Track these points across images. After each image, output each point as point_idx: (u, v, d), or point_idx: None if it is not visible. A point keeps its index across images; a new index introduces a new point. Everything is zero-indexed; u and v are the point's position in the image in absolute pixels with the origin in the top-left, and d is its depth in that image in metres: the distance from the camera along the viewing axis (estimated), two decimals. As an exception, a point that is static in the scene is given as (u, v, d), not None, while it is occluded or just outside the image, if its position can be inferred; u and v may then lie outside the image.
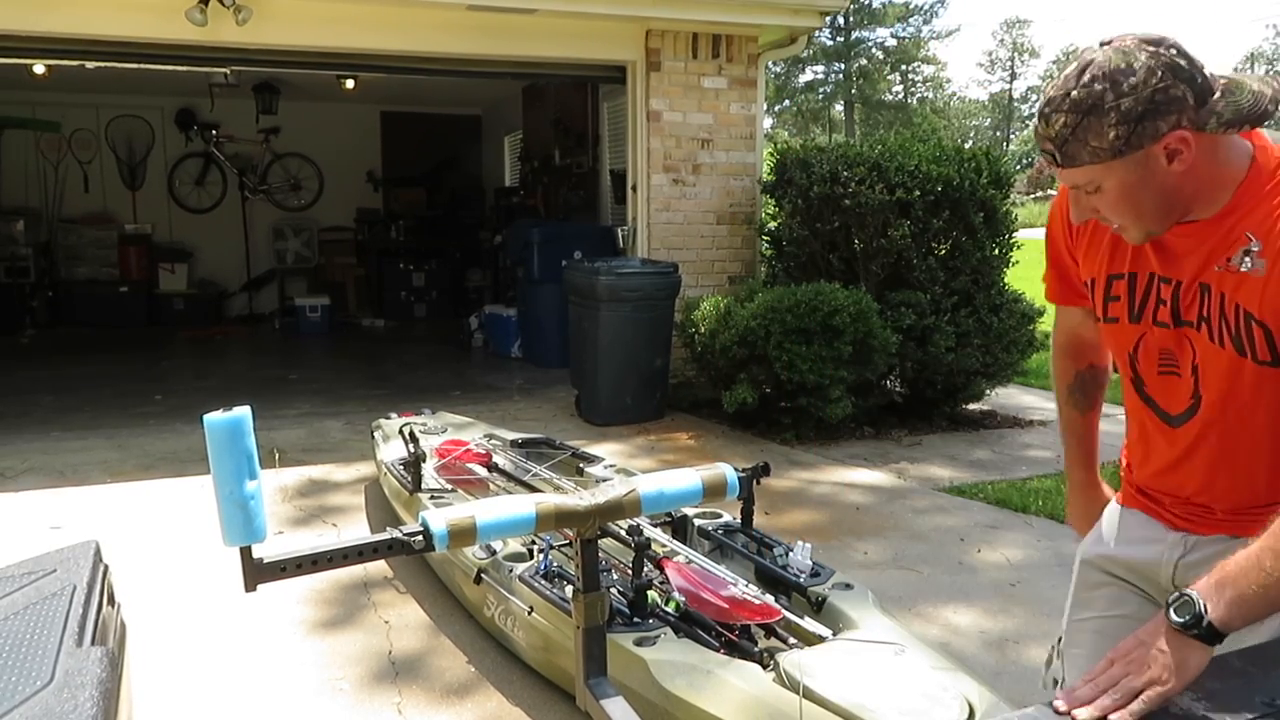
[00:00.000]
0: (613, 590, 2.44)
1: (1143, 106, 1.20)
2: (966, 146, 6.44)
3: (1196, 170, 1.25)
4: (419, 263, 11.49)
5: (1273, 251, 1.24)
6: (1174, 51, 1.21)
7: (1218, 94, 1.21)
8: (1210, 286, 1.32)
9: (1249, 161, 1.29)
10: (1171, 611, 1.14)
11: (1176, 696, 1.10)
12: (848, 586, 2.53)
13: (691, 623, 2.40)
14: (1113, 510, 1.66)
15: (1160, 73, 1.20)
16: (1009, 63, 73.79)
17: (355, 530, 4.11)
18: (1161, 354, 1.43)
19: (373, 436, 4.52)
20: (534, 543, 2.90)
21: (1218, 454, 1.40)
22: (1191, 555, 1.46)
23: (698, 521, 3.01)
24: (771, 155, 6.80)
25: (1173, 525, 1.50)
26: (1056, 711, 1.09)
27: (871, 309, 5.44)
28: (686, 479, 1.55)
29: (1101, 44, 1.25)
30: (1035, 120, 1.30)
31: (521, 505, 1.45)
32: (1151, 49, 1.21)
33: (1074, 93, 1.22)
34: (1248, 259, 1.26)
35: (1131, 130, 1.20)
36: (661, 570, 2.62)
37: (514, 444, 4.20)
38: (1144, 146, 1.22)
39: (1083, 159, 1.24)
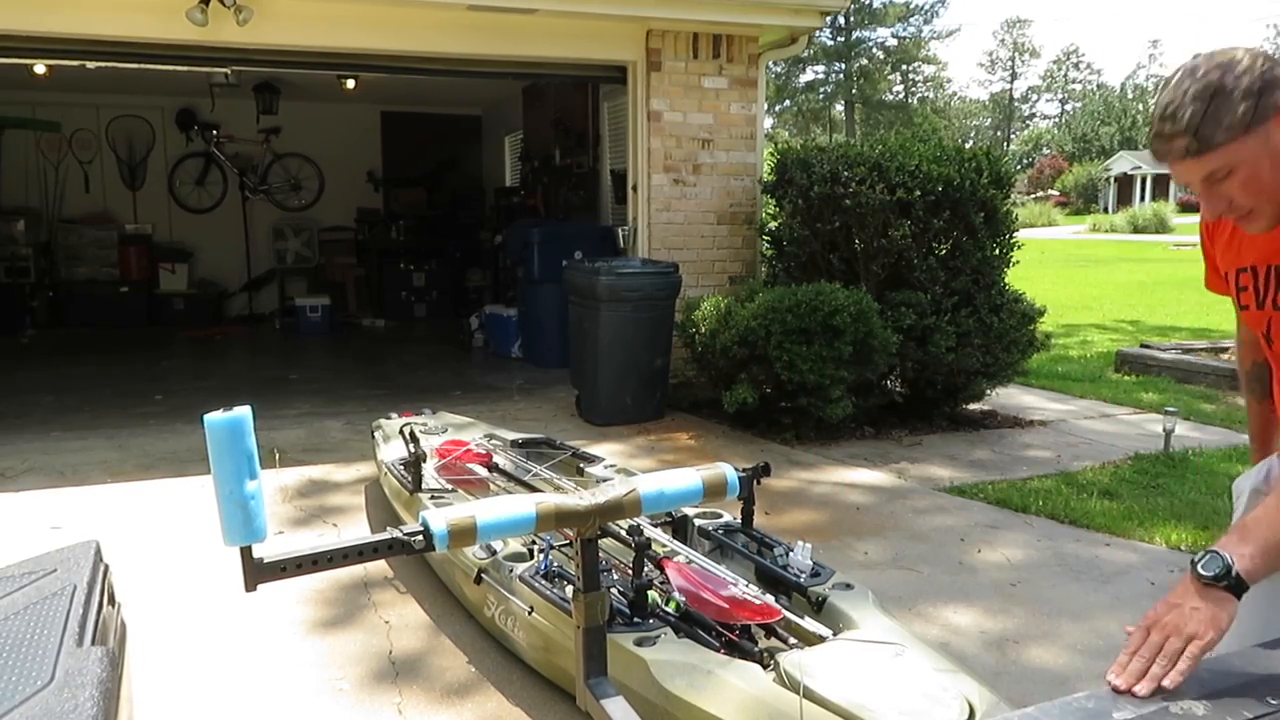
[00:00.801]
0: (613, 590, 2.44)
1: (1259, 83, 1.34)
2: (967, 146, 6.43)
3: None
4: (419, 263, 11.49)
5: None
6: (1260, 48, 1.38)
7: None
8: None
9: None
10: (1199, 567, 1.24)
11: (1178, 695, 1.16)
12: (848, 586, 2.53)
13: (692, 623, 2.40)
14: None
15: (1261, 59, 1.36)
16: (1009, 63, 73.80)
17: (355, 530, 4.11)
18: None
19: (373, 436, 4.52)
20: (534, 543, 2.90)
21: None
22: None
23: (698, 521, 3.00)
24: (772, 155, 6.80)
25: None
26: (1115, 690, 1.18)
27: (872, 309, 5.44)
28: (687, 479, 1.56)
29: (1194, 56, 1.39)
30: (1153, 132, 1.41)
31: (522, 505, 1.45)
32: (1244, 48, 1.37)
33: (1194, 88, 1.35)
34: None
35: (1256, 102, 1.33)
36: (662, 570, 2.62)
37: (514, 444, 4.20)
38: (1269, 119, 1.34)
39: (1219, 139, 1.35)
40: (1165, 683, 1.16)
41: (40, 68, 8.09)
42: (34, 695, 1.24)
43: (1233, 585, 1.22)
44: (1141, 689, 1.17)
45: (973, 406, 6.32)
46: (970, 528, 4.14)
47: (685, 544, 2.87)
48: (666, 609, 2.44)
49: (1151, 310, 12.35)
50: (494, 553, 2.91)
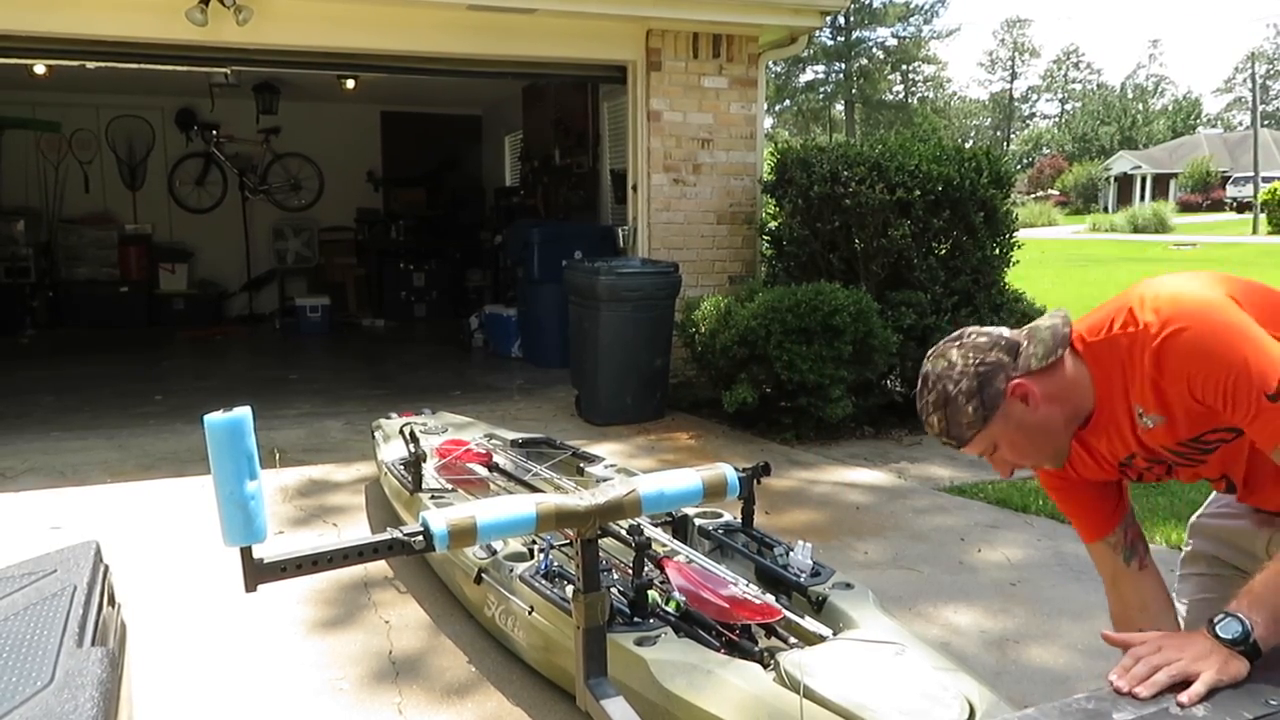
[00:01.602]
0: (613, 590, 2.44)
1: (976, 382, 1.49)
2: (967, 146, 6.43)
3: (1053, 396, 1.50)
4: (419, 263, 11.48)
5: (1157, 405, 1.47)
6: (973, 335, 1.53)
7: (1024, 343, 1.51)
8: (1148, 446, 1.56)
9: (1080, 360, 1.52)
10: (1218, 629, 1.25)
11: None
12: (848, 586, 2.53)
13: (692, 622, 2.40)
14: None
15: (970, 355, 1.51)
16: (1009, 62, 73.80)
17: (355, 530, 4.11)
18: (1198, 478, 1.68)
19: (373, 436, 4.52)
20: (534, 542, 2.90)
21: (1268, 494, 1.61)
22: None
23: (698, 521, 3.00)
24: (772, 155, 6.80)
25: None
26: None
27: (872, 309, 5.44)
28: (687, 479, 1.56)
29: (927, 357, 1.57)
30: (924, 424, 1.58)
31: (522, 505, 1.45)
32: (956, 343, 1.53)
33: (930, 399, 1.53)
34: (1148, 419, 1.49)
35: (981, 400, 1.49)
36: (662, 570, 2.62)
37: (514, 444, 4.20)
38: (999, 405, 1.49)
39: (967, 435, 1.52)
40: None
41: (40, 68, 8.08)
42: (34, 696, 1.24)
43: (1249, 651, 1.23)
44: (1143, 691, 1.18)
45: (973, 406, 6.31)
46: (970, 527, 4.14)
47: (685, 544, 2.87)
48: (666, 609, 2.44)
49: (1151, 310, 12.31)
50: (494, 552, 2.91)
